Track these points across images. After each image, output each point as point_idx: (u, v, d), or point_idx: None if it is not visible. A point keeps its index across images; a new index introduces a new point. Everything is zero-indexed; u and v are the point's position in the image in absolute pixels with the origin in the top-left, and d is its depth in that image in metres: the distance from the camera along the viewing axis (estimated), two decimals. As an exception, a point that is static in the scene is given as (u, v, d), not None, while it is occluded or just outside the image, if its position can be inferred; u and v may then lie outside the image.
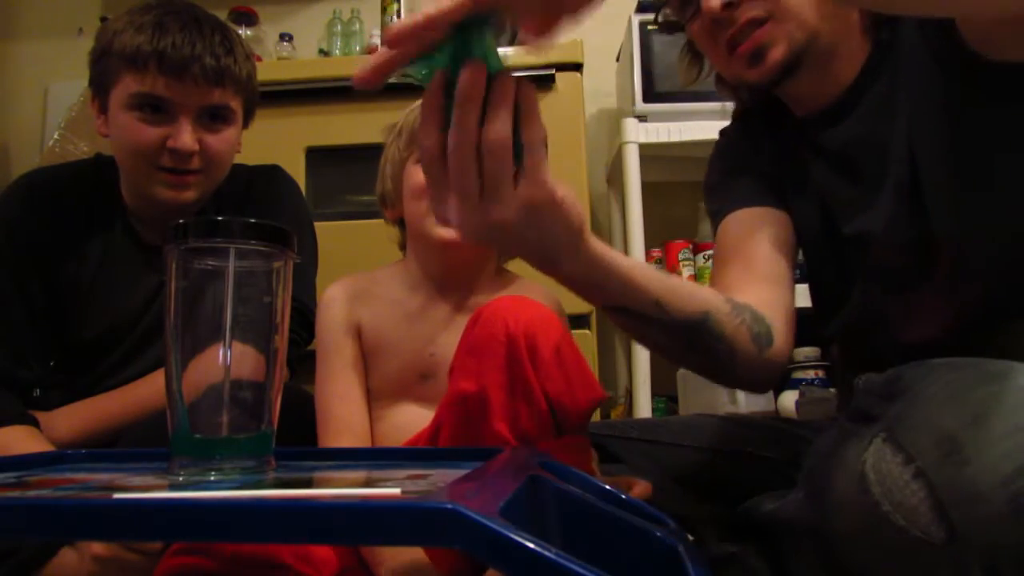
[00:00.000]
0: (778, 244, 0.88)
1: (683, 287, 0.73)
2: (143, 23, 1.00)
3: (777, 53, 0.79)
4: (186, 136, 1.01)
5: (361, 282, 0.97)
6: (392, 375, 0.93)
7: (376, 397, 0.93)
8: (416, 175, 0.92)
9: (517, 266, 1.05)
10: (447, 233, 0.89)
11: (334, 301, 0.95)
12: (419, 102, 0.90)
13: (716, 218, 0.96)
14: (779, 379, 1.32)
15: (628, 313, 0.68)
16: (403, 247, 1.01)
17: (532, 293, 0.94)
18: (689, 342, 0.72)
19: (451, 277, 0.96)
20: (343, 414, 0.90)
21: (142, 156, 1.02)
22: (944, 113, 0.72)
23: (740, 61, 0.81)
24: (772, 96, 0.88)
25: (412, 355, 0.93)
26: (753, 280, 0.83)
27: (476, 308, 0.81)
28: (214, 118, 1.05)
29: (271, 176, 1.20)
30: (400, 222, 0.99)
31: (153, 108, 1.01)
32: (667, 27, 0.91)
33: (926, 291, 0.76)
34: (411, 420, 0.89)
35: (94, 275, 1.09)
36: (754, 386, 0.81)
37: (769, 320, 0.78)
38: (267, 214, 1.04)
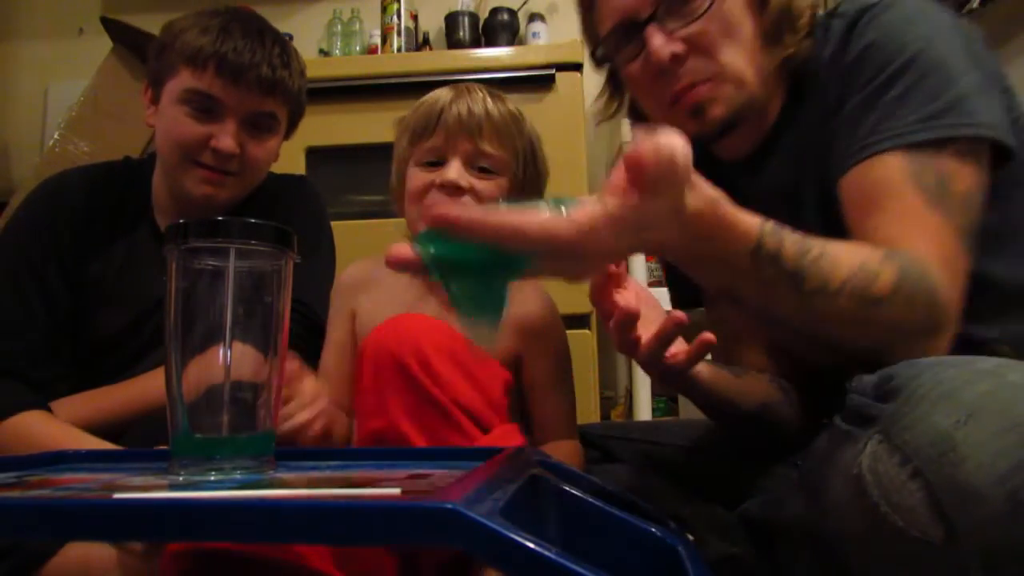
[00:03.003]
0: None
1: (747, 382, 0.82)
2: (209, 26, 1.03)
3: (717, 111, 0.79)
4: (229, 138, 1.04)
5: (369, 267, 0.99)
6: None
7: None
8: (415, 179, 0.91)
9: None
10: None
11: (339, 285, 1.00)
12: (427, 96, 0.92)
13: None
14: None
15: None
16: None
17: (524, 290, 0.94)
18: (751, 427, 0.82)
19: None
20: None
21: (184, 149, 1.05)
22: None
23: (681, 113, 0.81)
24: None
25: None
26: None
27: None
28: (259, 126, 1.07)
29: (298, 187, 1.24)
30: None
31: (203, 107, 1.03)
32: (601, 61, 0.90)
33: None
34: None
35: (117, 276, 1.11)
36: None
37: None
38: (289, 222, 1.06)
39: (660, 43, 0.77)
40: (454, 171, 0.88)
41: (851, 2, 0.79)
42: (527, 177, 0.93)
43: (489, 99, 0.91)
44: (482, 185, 0.89)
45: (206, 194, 1.06)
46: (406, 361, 0.72)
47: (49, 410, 0.99)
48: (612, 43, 0.84)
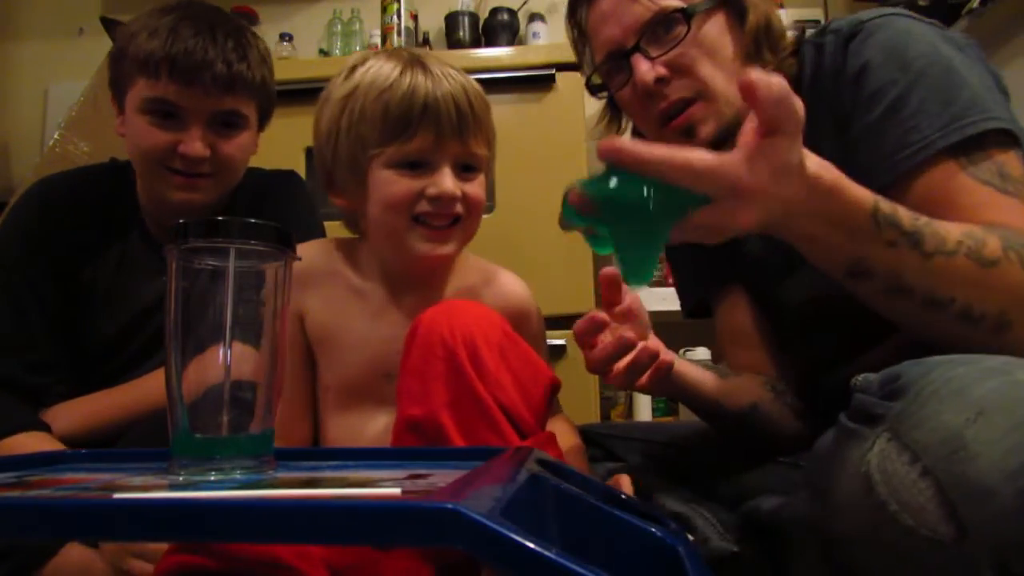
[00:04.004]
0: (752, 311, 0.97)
1: (734, 384, 0.85)
2: (158, 27, 1.00)
3: (707, 130, 0.84)
4: (196, 143, 1.01)
5: (318, 259, 0.89)
6: (353, 372, 0.85)
7: (336, 395, 0.86)
8: (395, 185, 0.81)
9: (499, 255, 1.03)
10: (433, 251, 0.83)
11: None
12: (388, 78, 0.83)
13: (698, 302, 1.05)
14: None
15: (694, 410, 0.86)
16: (357, 230, 0.91)
17: (506, 282, 0.92)
18: (740, 428, 0.86)
19: (422, 274, 0.88)
20: None
21: (153, 158, 1.03)
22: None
23: (673, 134, 0.85)
24: None
25: (375, 352, 0.84)
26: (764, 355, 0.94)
27: (447, 300, 0.77)
28: (226, 124, 1.05)
29: (286, 181, 1.21)
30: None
31: (165, 113, 1.01)
32: (595, 89, 0.96)
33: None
34: (375, 421, 0.84)
35: (111, 279, 1.10)
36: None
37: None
38: (278, 218, 1.05)
39: (645, 69, 0.84)
40: (449, 182, 0.81)
41: (839, 20, 0.83)
42: (491, 165, 0.89)
43: (466, 83, 0.84)
44: (469, 188, 0.83)
45: (183, 199, 1.04)
46: (456, 350, 0.69)
47: (48, 429, 0.98)
48: (604, 72, 0.91)
